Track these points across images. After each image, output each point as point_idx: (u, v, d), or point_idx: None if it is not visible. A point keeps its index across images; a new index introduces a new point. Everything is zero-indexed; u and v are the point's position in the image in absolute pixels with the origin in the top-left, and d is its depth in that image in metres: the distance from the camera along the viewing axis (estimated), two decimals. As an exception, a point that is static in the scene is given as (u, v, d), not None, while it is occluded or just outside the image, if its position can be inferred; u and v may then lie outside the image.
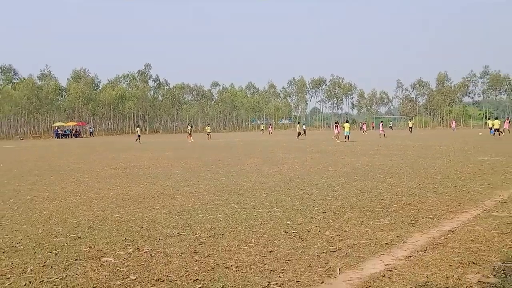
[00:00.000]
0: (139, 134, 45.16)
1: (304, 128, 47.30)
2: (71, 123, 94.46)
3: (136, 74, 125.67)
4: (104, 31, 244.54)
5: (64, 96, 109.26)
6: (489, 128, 47.23)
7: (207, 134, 50.28)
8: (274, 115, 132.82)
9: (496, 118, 44.85)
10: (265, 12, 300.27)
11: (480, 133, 51.66)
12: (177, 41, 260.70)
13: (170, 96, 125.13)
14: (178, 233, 6.39)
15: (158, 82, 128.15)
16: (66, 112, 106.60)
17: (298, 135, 45.69)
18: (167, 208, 8.34)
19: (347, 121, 42.42)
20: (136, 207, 8.59)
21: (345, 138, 38.50)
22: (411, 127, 61.41)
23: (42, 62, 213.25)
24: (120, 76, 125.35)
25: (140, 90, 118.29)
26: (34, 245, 6.00)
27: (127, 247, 5.77)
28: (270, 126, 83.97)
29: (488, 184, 10.54)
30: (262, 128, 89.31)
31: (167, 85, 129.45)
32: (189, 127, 49.77)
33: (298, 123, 51.01)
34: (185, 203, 8.87)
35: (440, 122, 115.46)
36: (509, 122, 46.92)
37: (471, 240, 5.69)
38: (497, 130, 42.33)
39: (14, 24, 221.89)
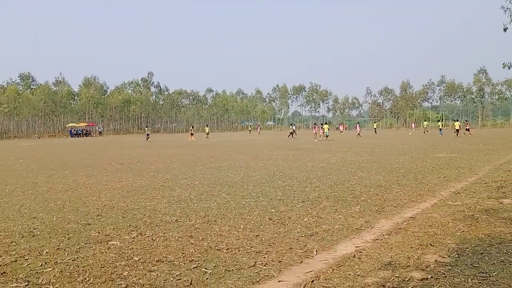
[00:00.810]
0: (148, 133, 46.65)
1: (294, 129, 46.57)
2: (82, 124, 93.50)
3: (140, 81, 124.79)
4: (112, 44, 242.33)
5: (76, 100, 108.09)
6: (439, 129, 48.71)
7: (206, 134, 50.06)
8: (261, 117, 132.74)
9: (457, 120, 45.63)
10: (253, 25, 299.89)
11: (410, 133, 52.63)
12: (176, 52, 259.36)
13: (169, 100, 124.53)
14: (176, 220, 6.37)
15: (159, 88, 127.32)
16: (78, 114, 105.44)
17: (290, 134, 45.07)
18: (167, 198, 8.30)
19: (326, 123, 42.79)
20: (139, 197, 8.55)
21: (326, 137, 39.16)
22: (375, 129, 61.33)
23: (57, 70, 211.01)
24: (125, 82, 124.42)
25: (144, 95, 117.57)
26: (49, 230, 5.94)
27: (131, 232, 5.73)
28: (259, 127, 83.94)
29: (444, 177, 10.65)
30: (249, 128, 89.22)
31: (167, 91, 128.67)
32: (192, 128, 49.76)
33: (291, 124, 50.49)
34: (182, 194, 8.85)
35: (403, 124, 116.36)
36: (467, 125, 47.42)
37: (429, 226, 5.75)
38: (457, 130, 43.10)
39: (32, 35, 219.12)
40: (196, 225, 6.03)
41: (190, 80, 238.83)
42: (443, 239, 5.09)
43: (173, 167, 14.67)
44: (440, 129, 49.18)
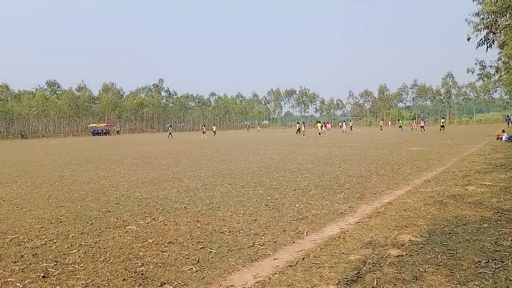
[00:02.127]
0: (171, 132, 47.13)
1: (299, 127, 45.43)
2: (102, 124, 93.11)
3: (152, 87, 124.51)
4: (127, 53, 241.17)
5: (96, 103, 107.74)
6: (399, 126, 49.44)
7: (213, 132, 50.13)
8: (257, 117, 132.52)
9: (421, 119, 46.49)
10: (251, 36, 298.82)
11: (359, 131, 52.89)
12: (184, 60, 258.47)
13: (178, 103, 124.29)
14: (184, 207, 6.37)
15: (169, 93, 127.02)
16: (98, 116, 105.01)
17: (298, 131, 44.37)
18: (176, 188, 8.30)
19: (318, 122, 43.29)
20: (152, 187, 8.54)
21: (319, 134, 39.73)
22: (351, 127, 60.74)
23: (79, 76, 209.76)
24: (139, 88, 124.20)
25: (155, 99, 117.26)
26: (74, 217, 5.93)
27: (146, 218, 5.73)
28: (258, 126, 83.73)
29: (417, 167, 10.68)
30: (247, 127, 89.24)
31: (175, 95, 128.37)
32: (203, 127, 49.87)
33: (297, 122, 49.72)
34: (190, 184, 8.84)
35: (381, 122, 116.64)
36: (424, 122, 47.80)
37: (404, 210, 5.77)
38: (422, 127, 43.66)
39: (57, 45, 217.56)
40: (202, 211, 6.03)
41: (196, 85, 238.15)
42: (416, 221, 5.11)
43: (182, 161, 14.66)
44: (400, 126, 49.93)
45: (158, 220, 5.59)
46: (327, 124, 45.47)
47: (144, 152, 21.23)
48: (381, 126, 56.36)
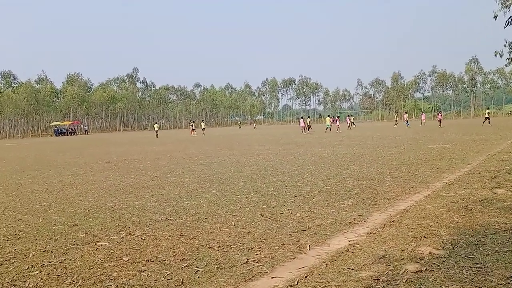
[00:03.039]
0: (157, 130, 48.18)
1: (310, 122, 44.29)
2: (67, 122, 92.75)
3: (125, 77, 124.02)
4: (96, 39, 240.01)
5: (60, 98, 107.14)
6: (406, 121, 49.34)
7: (202, 130, 50.05)
8: (250, 112, 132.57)
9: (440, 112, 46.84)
10: (241, 18, 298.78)
11: (395, 125, 52.98)
12: (162, 45, 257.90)
13: (156, 96, 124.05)
14: (166, 219, 6.35)
15: (145, 84, 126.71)
16: (62, 112, 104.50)
17: (309, 128, 43.76)
18: (156, 197, 8.27)
19: (328, 116, 43.45)
20: (127, 196, 8.51)
21: (327, 129, 39.83)
22: (353, 122, 58.69)
23: (39, 67, 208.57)
24: (110, 79, 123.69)
25: (129, 91, 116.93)
26: (35, 232, 5.89)
27: (120, 232, 5.71)
28: (254, 122, 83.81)
29: (437, 168, 10.74)
30: (239, 123, 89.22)
31: (153, 86, 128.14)
32: (192, 123, 49.79)
33: (308, 117, 49.07)
34: (172, 191, 8.82)
35: (395, 116, 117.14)
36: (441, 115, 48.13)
37: (423, 217, 5.79)
38: (440, 120, 44.10)
39: (11, 32, 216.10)
40: (187, 223, 6.02)
41: (177, 75, 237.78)
42: (437, 230, 5.14)
43: (162, 165, 14.62)
44: (407, 121, 49.44)
45: (134, 234, 5.57)
46: (337, 119, 45.36)
47: (117, 154, 21.14)
48: (396, 120, 56.02)
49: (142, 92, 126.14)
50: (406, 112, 61.58)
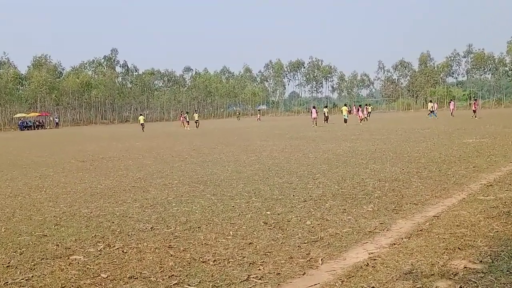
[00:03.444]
0: (143, 122, 48.69)
1: (326, 113, 43.80)
2: (34, 114, 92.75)
3: (102, 60, 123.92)
4: (67, 16, 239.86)
5: (25, 85, 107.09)
6: (430, 111, 48.74)
7: (196, 122, 50.03)
8: (251, 100, 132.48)
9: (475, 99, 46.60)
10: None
11: (404, 116, 52.65)
12: (145, 24, 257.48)
13: (139, 82, 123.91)
14: (151, 228, 6.36)
15: (126, 68, 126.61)
16: (28, 102, 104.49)
17: (326, 120, 43.62)
18: (139, 202, 8.28)
19: (345, 105, 43.30)
20: (106, 201, 8.52)
21: (344, 122, 39.62)
22: (369, 112, 56.01)
23: (0, 48, 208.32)
24: (85, 62, 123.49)
25: (107, 77, 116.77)
26: (-4, 245, 5.91)
27: (97, 244, 5.72)
28: (259, 113, 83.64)
29: (473, 167, 10.72)
30: (238, 114, 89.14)
31: (136, 71, 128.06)
32: (185, 115, 49.74)
33: (326, 106, 48.75)
34: (158, 195, 8.83)
35: (423, 105, 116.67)
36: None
37: (457, 225, 5.79)
38: (474, 111, 43.85)
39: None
40: (176, 233, 6.03)
41: (164, 58, 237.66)
42: (474, 241, 5.13)
43: (146, 164, 14.64)
44: (432, 111, 48.60)
45: (114, 246, 5.58)
46: (359, 109, 45.14)
47: (94, 152, 21.17)
48: (430, 110, 54.89)
49: (123, 78, 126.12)
50: (430, 101, 61.01)
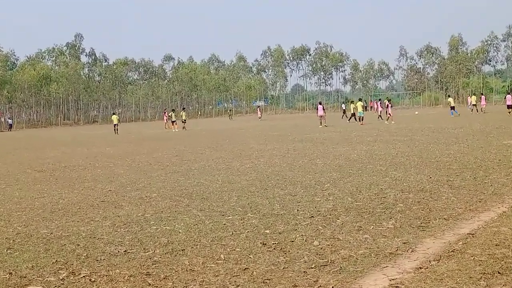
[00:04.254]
0: (117, 123, 48.62)
1: (344, 108, 43.62)
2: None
3: (65, 48, 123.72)
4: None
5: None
6: (451, 107, 48.94)
7: (182, 122, 49.84)
8: (246, 95, 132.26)
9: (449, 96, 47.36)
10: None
11: (417, 112, 52.93)
12: (116, 3, 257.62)
13: (110, 74, 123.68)
14: (125, 251, 6.35)
15: (93, 58, 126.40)
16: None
17: (353, 117, 43.37)
18: (110, 220, 8.27)
19: (360, 99, 43.33)
20: (69, 219, 8.49)
21: (359, 120, 39.51)
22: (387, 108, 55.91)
23: None
24: (43, 51, 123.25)
25: (70, 68, 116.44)
26: None
27: (59, 271, 5.70)
28: (259, 109, 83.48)
29: (516, 174, 10.76)
30: (230, 113, 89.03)
31: (105, 60, 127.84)
32: (172, 113, 49.51)
33: (352, 102, 48.39)
34: (134, 212, 8.81)
35: (455, 99, 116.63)
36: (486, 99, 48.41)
37: (496, 245, 5.80)
38: (475, 105, 44.17)
39: None
40: (155, 257, 6.02)
41: (139, 45, 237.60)
42: (517, 263, 5.15)
43: (119, 174, 14.62)
44: (453, 107, 48.69)
45: (80, 274, 5.57)
46: (378, 104, 45.24)
47: (55, 159, 21.12)
48: (473, 105, 54.53)
49: (89, 69, 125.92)
50: (449, 96, 61.48)
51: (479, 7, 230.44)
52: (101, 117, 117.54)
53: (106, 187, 11.99)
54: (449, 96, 62.72)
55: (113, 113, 53.81)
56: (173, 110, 51.94)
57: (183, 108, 61.21)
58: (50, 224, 8.21)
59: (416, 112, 61.44)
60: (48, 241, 7.06)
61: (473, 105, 50.66)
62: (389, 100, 45.40)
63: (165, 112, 57.86)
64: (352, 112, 44.02)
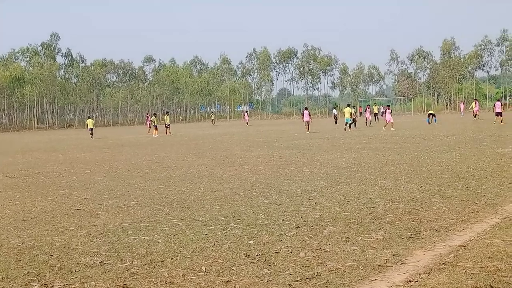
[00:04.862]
0: (92, 127, 48.66)
1: (336, 114, 43.43)
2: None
3: (40, 48, 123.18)
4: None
5: None
6: (432, 115, 49.15)
7: (166, 126, 49.55)
8: (230, 99, 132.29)
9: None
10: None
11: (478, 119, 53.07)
12: (94, 1, 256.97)
13: (87, 76, 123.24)
14: (100, 262, 6.31)
15: (70, 58, 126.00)
16: None
17: (353, 123, 43.17)
18: (86, 229, 8.22)
19: (348, 105, 43.21)
20: (42, 228, 8.44)
21: (345, 125, 39.41)
22: (376, 114, 56.99)
23: None
24: (16, 51, 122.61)
25: (45, 69, 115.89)
26: None
27: (31, 283, 5.66)
28: (246, 114, 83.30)
29: (510, 183, 10.83)
30: (212, 117, 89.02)
31: (82, 61, 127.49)
32: (153, 117, 49.17)
33: (353, 106, 47.89)
34: (110, 221, 8.77)
35: (447, 105, 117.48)
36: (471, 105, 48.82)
37: (489, 257, 5.83)
38: (498, 114, 44.24)
39: None
40: (133, 269, 5.99)
41: (118, 45, 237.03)
42: (510, 277, 5.17)
43: (95, 180, 14.54)
44: (432, 114, 48.85)
45: (53, 286, 5.52)
46: (384, 109, 45.38)
47: (28, 165, 20.98)
48: (473, 112, 54.82)
49: (65, 71, 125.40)
50: (462, 101, 61.63)
51: (474, 9, 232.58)
52: (77, 121, 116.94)
53: (81, 195, 11.92)
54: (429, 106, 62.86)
55: (89, 117, 53.70)
56: (154, 115, 51.72)
57: (166, 112, 61.08)
58: (22, 233, 8.15)
59: (422, 119, 61.43)
60: (19, 252, 7.01)
61: (432, 115, 50.22)
62: (388, 106, 45.28)
63: (147, 117, 57.69)
64: (353, 118, 43.70)
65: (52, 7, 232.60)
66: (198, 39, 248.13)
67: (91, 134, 47.01)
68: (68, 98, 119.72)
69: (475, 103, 55.64)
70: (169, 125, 49.83)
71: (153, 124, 47.35)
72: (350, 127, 39.78)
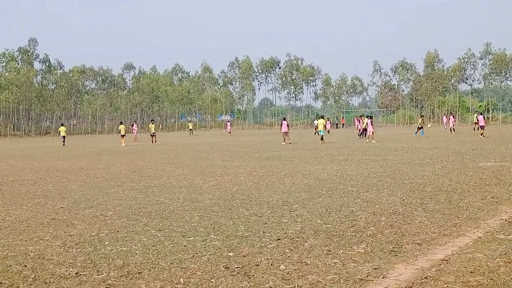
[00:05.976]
0: (65, 135, 49.97)
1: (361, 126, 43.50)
2: None
3: (16, 53, 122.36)
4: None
5: None
6: (418, 128, 49.32)
7: (151, 135, 49.04)
8: (211, 108, 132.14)
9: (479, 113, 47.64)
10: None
11: (429, 125, 53.70)
12: (73, 8, 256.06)
13: (65, 83, 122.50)
14: (76, 273, 6.26)
15: (47, 64, 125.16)
16: None
17: (363, 133, 42.86)
18: (61, 239, 8.16)
19: (321, 117, 43.08)
20: (16, 238, 8.36)
21: (321, 138, 38.71)
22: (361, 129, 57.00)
23: None
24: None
25: (22, 75, 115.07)
26: None
27: (4, 294, 5.60)
28: (229, 124, 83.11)
29: (492, 197, 10.91)
30: (190, 127, 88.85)
31: (60, 68, 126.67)
32: (121, 126, 48.77)
33: (367, 116, 47.50)
34: (87, 231, 8.71)
35: (430, 118, 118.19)
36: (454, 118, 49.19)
37: (471, 272, 5.86)
38: (481, 127, 44.60)
39: None
40: (109, 280, 5.95)
41: (97, 52, 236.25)
42: (492, 292, 5.20)
43: (72, 189, 14.45)
44: (420, 128, 48.90)
45: (26, 298, 5.47)
46: (359, 120, 45.49)
47: (2, 173, 20.82)
48: (419, 126, 55.25)
49: (43, 77, 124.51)
50: (422, 116, 61.46)
51: (457, 22, 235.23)
52: (54, 129, 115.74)
53: (57, 204, 11.83)
54: (422, 116, 62.93)
55: (61, 124, 53.61)
56: (121, 123, 51.59)
57: (152, 120, 60.61)
58: (-5, 243, 8.07)
59: (429, 125, 61.26)
60: (-8, 262, 6.94)
61: (475, 123, 50.28)
62: (370, 117, 44.58)
63: (133, 125, 57.65)
64: (364, 127, 43.58)
65: (32, 8, 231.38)
66: (179, 46, 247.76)
67: (64, 141, 47.27)
68: (45, 105, 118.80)
69: (451, 116, 56.20)
70: (154, 133, 49.33)
71: (121, 133, 46.74)
72: (322, 138, 39.13)
